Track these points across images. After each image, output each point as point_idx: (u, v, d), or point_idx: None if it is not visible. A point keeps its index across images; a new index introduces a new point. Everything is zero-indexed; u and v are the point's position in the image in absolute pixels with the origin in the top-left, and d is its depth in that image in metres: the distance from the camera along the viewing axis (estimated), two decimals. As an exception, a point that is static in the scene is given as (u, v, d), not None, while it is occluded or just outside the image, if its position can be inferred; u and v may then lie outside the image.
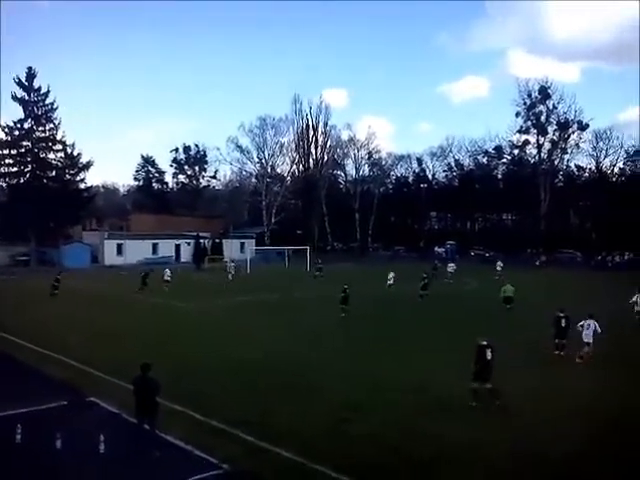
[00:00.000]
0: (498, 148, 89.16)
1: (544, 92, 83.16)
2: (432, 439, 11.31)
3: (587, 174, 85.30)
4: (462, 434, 11.44)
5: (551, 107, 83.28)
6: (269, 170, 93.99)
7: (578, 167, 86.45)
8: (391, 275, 39.53)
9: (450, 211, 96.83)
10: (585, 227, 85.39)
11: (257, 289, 40.05)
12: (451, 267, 48.65)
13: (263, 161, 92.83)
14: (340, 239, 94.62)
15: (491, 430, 11.74)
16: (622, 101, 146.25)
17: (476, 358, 13.61)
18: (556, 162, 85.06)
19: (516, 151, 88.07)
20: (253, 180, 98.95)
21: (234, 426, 11.82)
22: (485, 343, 13.72)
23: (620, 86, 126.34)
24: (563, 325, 18.72)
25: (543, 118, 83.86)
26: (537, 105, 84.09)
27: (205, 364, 17.70)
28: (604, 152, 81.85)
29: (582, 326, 17.73)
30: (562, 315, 18.93)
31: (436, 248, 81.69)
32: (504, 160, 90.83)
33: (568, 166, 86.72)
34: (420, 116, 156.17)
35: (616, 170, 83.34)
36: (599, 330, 17.44)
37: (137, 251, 68.98)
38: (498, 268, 49.56)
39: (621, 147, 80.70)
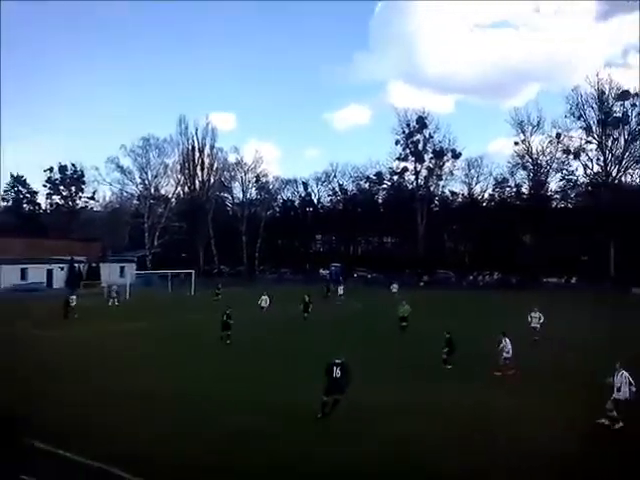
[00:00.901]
0: (379, 174, 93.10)
1: (421, 122, 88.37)
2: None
3: (460, 199, 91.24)
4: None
5: (428, 136, 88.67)
6: (152, 191, 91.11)
7: (452, 193, 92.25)
8: (263, 298, 39.62)
9: (335, 234, 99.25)
10: (458, 249, 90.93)
11: (136, 315, 38.48)
12: (341, 289, 49.98)
13: (146, 182, 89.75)
14: (227, 262, 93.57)
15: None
16: (492, 132, 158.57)
17: (325, 374, 14.69)
18: (432, 188, 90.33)
19: (395, 177, 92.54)
20: (135, 201, 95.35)
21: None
22: (337, 361, 14.67)
23: (489, 119, 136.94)
24: (450, 342, 20.85)
25: (420, 146, 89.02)
26: (415, 134, 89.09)
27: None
28: (475, 179, 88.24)
29: (501, 343, 19.54)
30: (448, 335, 21.09)
31: (321, 270, 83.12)
32: (384, 186, 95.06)
33: (443, 192, 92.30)
34: (306, 142, 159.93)
35: (486, 196, 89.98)
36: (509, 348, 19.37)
37: (3, 277, 63.83)
38: (394, 290, 51.61)
39: (490, 175, 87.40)
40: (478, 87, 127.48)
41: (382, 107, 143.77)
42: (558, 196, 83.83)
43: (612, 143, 76.82)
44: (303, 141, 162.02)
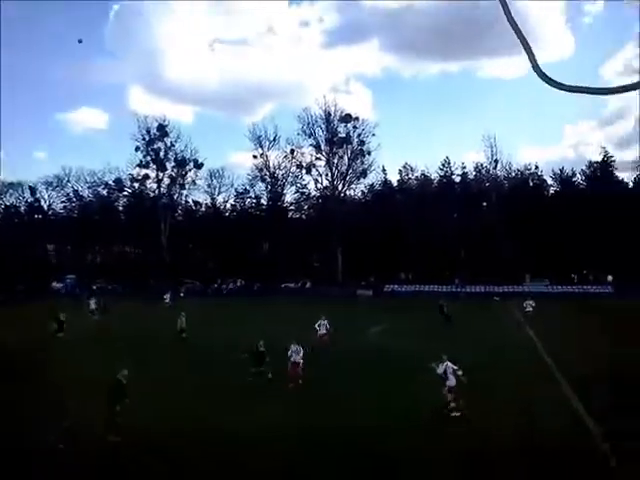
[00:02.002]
0: (118, 181, 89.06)
1: (162, 130, 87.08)
2: None
3: (204, 209, 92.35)
4: None
5: (169, 144, 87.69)
6: None
7: (195, 202, 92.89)
8: None
9: (70, 243, 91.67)
10: (203, 258, 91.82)
11: None
12: (93, 302, 45.91)
13: None
14: None
15: None
16: (232, 145, 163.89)
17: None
18: (175, 197, 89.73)
19: (137, 185, 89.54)
20: None
21: None
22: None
23: (229, 131, 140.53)
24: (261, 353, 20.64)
25: (162, 154, 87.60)
26: (156, 142, 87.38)
27: None
28: (218, 189, 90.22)
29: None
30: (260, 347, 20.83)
31: (54, 283, 76.17)
32: (125, 193, 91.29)
33: (186, 201, 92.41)
34: (33, 143, 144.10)
35: (228, 206, 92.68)
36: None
37: None
38: (166, 300, 50.98)
39: (232, 185, 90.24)
40: (217, 100, 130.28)
41: (121, 112, 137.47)
42: (293, 207, 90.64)
43: (338, 160, 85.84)
44: (29, 142, 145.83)
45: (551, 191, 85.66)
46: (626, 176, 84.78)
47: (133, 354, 25.04)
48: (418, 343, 27.68)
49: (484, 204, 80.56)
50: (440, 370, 16.18)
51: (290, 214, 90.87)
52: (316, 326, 27.53)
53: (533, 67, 5.12)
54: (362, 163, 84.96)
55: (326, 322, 27.69)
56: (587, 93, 4.99)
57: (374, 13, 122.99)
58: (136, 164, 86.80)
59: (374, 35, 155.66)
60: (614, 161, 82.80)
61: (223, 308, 51.72)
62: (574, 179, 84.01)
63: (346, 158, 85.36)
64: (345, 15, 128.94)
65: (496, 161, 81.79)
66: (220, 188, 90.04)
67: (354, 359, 24.72)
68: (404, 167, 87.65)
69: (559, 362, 22.55)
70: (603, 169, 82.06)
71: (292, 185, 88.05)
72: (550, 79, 5.07)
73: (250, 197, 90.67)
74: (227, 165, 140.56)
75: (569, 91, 5.11)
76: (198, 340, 29.74)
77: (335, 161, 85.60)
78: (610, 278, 69.48)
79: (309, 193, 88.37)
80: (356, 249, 77.16)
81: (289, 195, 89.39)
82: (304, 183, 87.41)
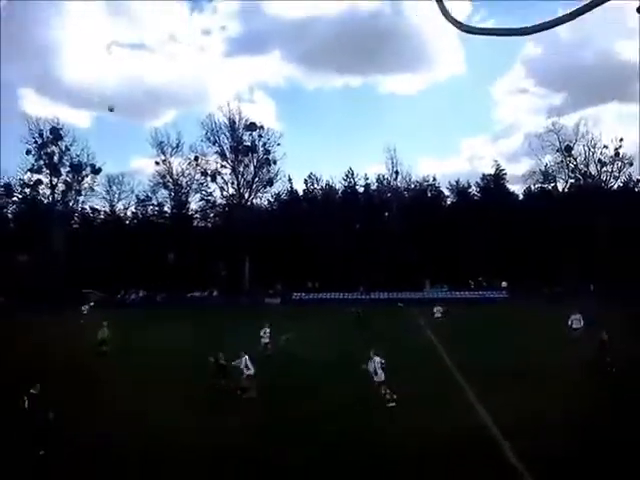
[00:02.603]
0: (7, 186, 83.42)
1: (56, 133, 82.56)
2: None
3: (102, 216, 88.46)
4: None
5: (64, 149, 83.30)
6: None
7: (93, 209, 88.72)
8: None
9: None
10: (103, 267, 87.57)
11: None
12: None
13: None
14: None
15: None
16: (133, 150, 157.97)
17: None
18: (71, 203, 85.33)
19: (28, 190, 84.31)
20: None
21: None
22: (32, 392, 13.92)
23: (130, 137, 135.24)
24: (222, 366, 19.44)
25: (56, 159, 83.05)
26: (49, 145, 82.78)
27: None
28: (117, 196, 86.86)
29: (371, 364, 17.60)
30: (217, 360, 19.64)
31: None
32: (15, 199, 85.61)
33: (84, 208, 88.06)
34: None
35: (129, 213, 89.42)
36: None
37: None
38: (84, 311, 48.83)
39: (132, 192, 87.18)
40: (116, 105, 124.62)
41: (9, 113, 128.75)
42: (199, 215, 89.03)
43: (244, 169, 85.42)
44: None
45: (448, 202, 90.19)
46: (516, 188, 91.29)
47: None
48: (329, 348, 28.24)
49: (386, 214, 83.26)
50: (371, 367, 16.91)
51: (195, 222, 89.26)
52: (261, 333, 27.49)
53: (443, 13, 4.86)
54: (268, 172, 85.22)
55: (269, 330, 27.72)
56: (498, 35, 4.83)
57: (277, 23, 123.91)
58: (27, 168, 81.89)
59: (277, 45, 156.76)
60: (505, 174, 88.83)
61: (138, 319, 49.65)
62: (469, 190, 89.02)
63: (252, 167, 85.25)
64: (247, 24, 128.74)
65: (397, 172, 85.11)
66: (120, 195, 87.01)
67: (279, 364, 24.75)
68: (309, 177, 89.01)
69: (462, 364, 23.82)
70: (495, 181, 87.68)
71: (197, 193, 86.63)
72: (460, 23, 4.84)
73: (152, 204, 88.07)
74: (128, 171, 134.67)
75: (480, 34, 4.91)
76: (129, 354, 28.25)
77: (241, 169, 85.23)
78: (504, 284, 74.09)
79: (215, 201, 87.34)
80: (263, 257, 77.09)
81: (194, 203, 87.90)
82: (209, 191, 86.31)
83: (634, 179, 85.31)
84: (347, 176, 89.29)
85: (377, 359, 17.15)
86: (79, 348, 29.19)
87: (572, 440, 13.23)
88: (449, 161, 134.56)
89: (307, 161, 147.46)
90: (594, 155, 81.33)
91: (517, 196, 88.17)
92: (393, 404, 16.71)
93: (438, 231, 76.91)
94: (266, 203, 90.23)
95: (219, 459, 12.82)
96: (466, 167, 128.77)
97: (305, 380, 20.94)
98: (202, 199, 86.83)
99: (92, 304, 52.52)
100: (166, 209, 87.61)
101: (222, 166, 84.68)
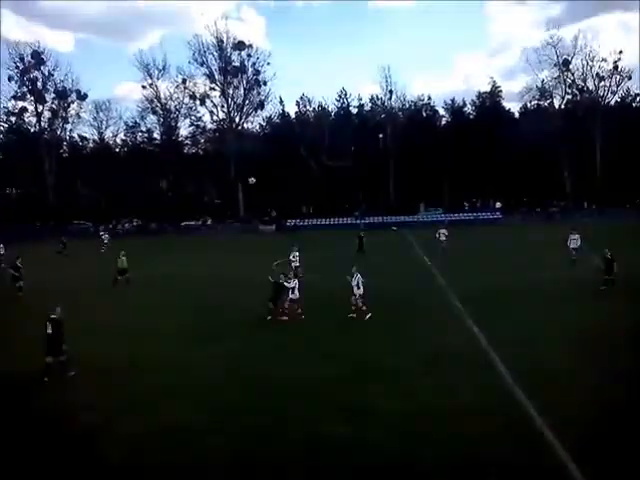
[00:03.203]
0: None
1: (37, 57, 79.32)
2: None
3: (91, 144, 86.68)
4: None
5: (47, 74, 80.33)
6: None
7: (82, 137, 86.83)
8: None
9: None
10: (94, 197, 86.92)
11: None
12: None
13: None
14: None
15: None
16: (119, 75, 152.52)
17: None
18: (59, 132, 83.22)
19: (13, 119, 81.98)
20: None
21: None
22: (53, 317, 13.34)
23: (115, 60, 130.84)
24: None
25: (40, 85, 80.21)
26: (31, 70, 79.69)
27: None
28: (105, 122, 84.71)
29: (354, 279, 18.31)
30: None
31: None
32: (0, 128, 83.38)
33: (72, 136, 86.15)
34: None
35: (118, 140, 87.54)
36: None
37: None
38: (105, 240, 47.70)
39: (120, 118, 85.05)
40: (100, 26, 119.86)
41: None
42: (189, 141, 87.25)
43: (233, 91, 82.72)
44: None
45: (443, 122, 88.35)
46: (513, 106, 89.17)
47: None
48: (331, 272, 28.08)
49: (380, 135, 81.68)
50: (354, 282, 18.00)
51: (186, 149, 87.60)
52: (290, 257, 27.24)
53: None
54: (258, 94, 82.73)
55: (298, 254, 27.49)
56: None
57: None
58: (11, 96, 79.20)
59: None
60: (501, 91, 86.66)
61: (142, 247, 49.13)
62: (464, 109, 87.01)
63: (242, 88, 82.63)
64: None
65: (391, 92, 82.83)
66: (108, 121, 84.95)
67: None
68: (301, 98, 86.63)
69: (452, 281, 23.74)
70: (491, 99, 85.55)
71: (186, 118, 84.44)
72: None
73: (141, 131, 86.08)
74: (114, 97, 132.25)
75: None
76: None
77: (230, 92, 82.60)
78: (499, 205, 73.95)
79: (205, 126, 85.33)
80: (256, 184, 76.15)
81: (184, 128, 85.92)
82: (199, 115, 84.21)
83: (632, 93, 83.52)
84: (340, 97, 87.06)
85: (359, 275, 18.18)
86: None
87: (569, 354, 13.28)
88: (444, 80, 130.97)
89: (298, 82, 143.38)
90: (592, 69, 79.06)
91: (513, 114, 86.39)
92: (354, 315, 17.99)
93: (433, 152, 75.68)
94: (258, 127, 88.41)
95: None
96: (462, 85, 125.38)
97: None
98: (192, 124, 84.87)
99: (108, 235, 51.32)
100: (155, 135, 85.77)
101: (211, 89, 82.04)
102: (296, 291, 18.38)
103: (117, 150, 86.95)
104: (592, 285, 21.42)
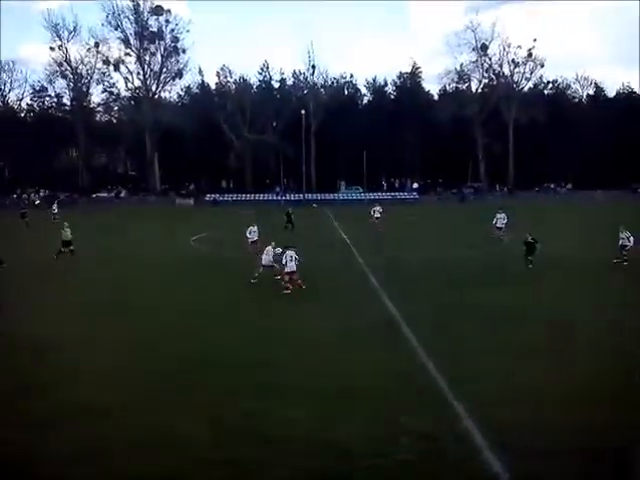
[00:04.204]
0: None
1: None
2: None
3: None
4: None
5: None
6: None
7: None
8: None
9: None
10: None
11: None
12: None
13: None
14: None
15: None
16: (24, 35, 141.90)
17: None
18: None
19: None
20: None
21: None
22: None
23: (19, 19, 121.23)
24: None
25: None
26: None
27: None
28: (9, 85, 78.84)
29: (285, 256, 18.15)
30: None
31: None
32: None
33: (-30, 98, 79.51)
34: None
35: (24, 105, 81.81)
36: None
37: None
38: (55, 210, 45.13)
39: (26, 81, 79.40)
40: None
41: None
42: (102, 109, 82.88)
43: (150, 57, 79.11)
44: None
45: (365, 100, 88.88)
46: (432, 88, 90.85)
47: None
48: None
49: (302, 111, 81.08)
50: (284, 260, 17.97)
51: (99, 116, 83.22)
52: (247, 233, 26.23)
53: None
54: (177, 62, 79.77)
55: (256, 229, 26.48)
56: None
57: None
58: None
59: None
60: (421, 72, 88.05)
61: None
62: (386, 89, 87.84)
63: (159, 55, 79.29)
64: None
65: (313, 67, 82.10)
66: (12, 84, 78.99)
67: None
68: (222, 69, 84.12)
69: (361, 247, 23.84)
70: (412, 80, 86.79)
71: (99, 84, 79.99)
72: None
73: (50, 96, 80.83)
74: (19, 59, 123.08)
75: None
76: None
77: (147, 58, 79.01)
78: (416, 185, 75.52)
79: (119, 93, 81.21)
80: (174, 156, 73.67)
81: (96, 95, 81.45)
82: (112, 82, 79.95)
83: (544, 81, 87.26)
84: (262, 70, 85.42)
85: (290, 252, 18.06)
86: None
87: (481, 331, 13.59)
88: (367, 58, 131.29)
89: (219, 52, 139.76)
90: (508, 55, 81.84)
91: (432, 96, 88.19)
92: (289, 292, 17.85)
93: (353, 130, 75.95)
94: (176, 97, 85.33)
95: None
96: (384, 65, 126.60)
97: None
98: (105, 90, 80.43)
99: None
100: (65, 101, 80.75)
101: (126, 54, 78.14)
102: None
103: (22, 115, 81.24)
104: (511, 264, 21.97)
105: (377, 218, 36.58)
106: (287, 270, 17.98)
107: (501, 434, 8.06)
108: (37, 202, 48.23)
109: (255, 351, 12.22)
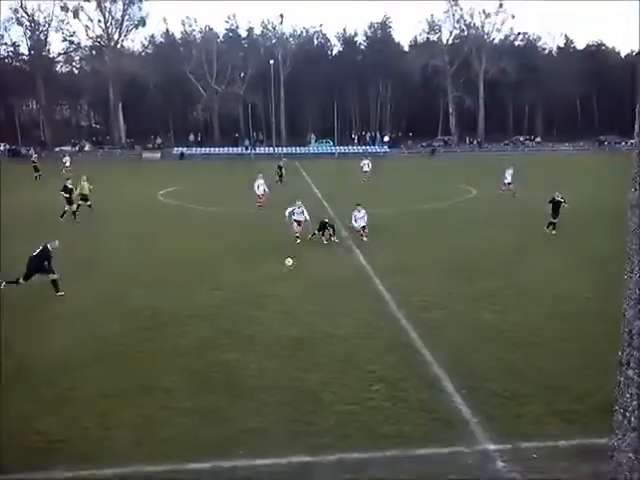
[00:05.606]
0: None
1: None
2: None
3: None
4: None
5: None
6: None
7: None
8: None
9: None
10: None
11: None
12: None
13: None
14: None
15: None
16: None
17: None
18: None
19: None
20: None
21: None
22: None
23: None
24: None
25: None
26: None
27: None
28: None
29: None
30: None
31: None
32: None
33: None
34: None
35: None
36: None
37: None
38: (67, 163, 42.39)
39: None
40: None
41: None
42: (62, 59, 79.46)
43: (111, 4, 75.34)
44: None
45: (335, 51, 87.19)
46: (402, 38, 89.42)
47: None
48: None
49: (271, 61, 79.04)
50: (292, 210, 18.87)
51: (59, 67, 79.91)
52: (255, 187, 26.01)
53: None
54: (139, 9, 76.15)
55: (264, 182, 26.33)
56: None
57: None
58: None
59: None
60: (392, 22, 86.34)
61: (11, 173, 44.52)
62: (356, 39, 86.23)
63: (120, 2, 75.43)
64: None
65: (282, 16, 79.75)
66: (-38, 31, 74.91)
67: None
68: (187, 17, 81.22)
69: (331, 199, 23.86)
70: (382, 30, 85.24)
71: (58, 32, 76.24)
72: None
73: (5, 44, 76.80)
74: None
75: None
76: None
77: (107, 5, 75.07)
78: (387, 139, 74.99)
79: (79, 42, 77.66)
80: (139, 108, 71.59)
81: (55, 44, 78.11)
82: (72, 30, 76.39)
83: (515, 32, 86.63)
84: (229, 18, 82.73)
85: (299, 203, 18.94)
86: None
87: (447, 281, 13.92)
88: (338, 9, 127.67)
89: (185, 1, 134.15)
90: (479, 5, 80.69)
91: (403, 47, 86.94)
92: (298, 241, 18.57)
93: (324, 81, 74.63)
94: (139, 46, 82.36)
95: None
96: (354, 14, 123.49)
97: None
98: (64, 39, 76.76)
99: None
100: (23, 50, 77.03)
101: (85, 0, 74.34)
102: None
103: None
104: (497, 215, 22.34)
105: (365, 172, 37.04)
106: (301, 220, 18.64)
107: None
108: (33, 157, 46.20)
109: (230, 304, 12.30)
